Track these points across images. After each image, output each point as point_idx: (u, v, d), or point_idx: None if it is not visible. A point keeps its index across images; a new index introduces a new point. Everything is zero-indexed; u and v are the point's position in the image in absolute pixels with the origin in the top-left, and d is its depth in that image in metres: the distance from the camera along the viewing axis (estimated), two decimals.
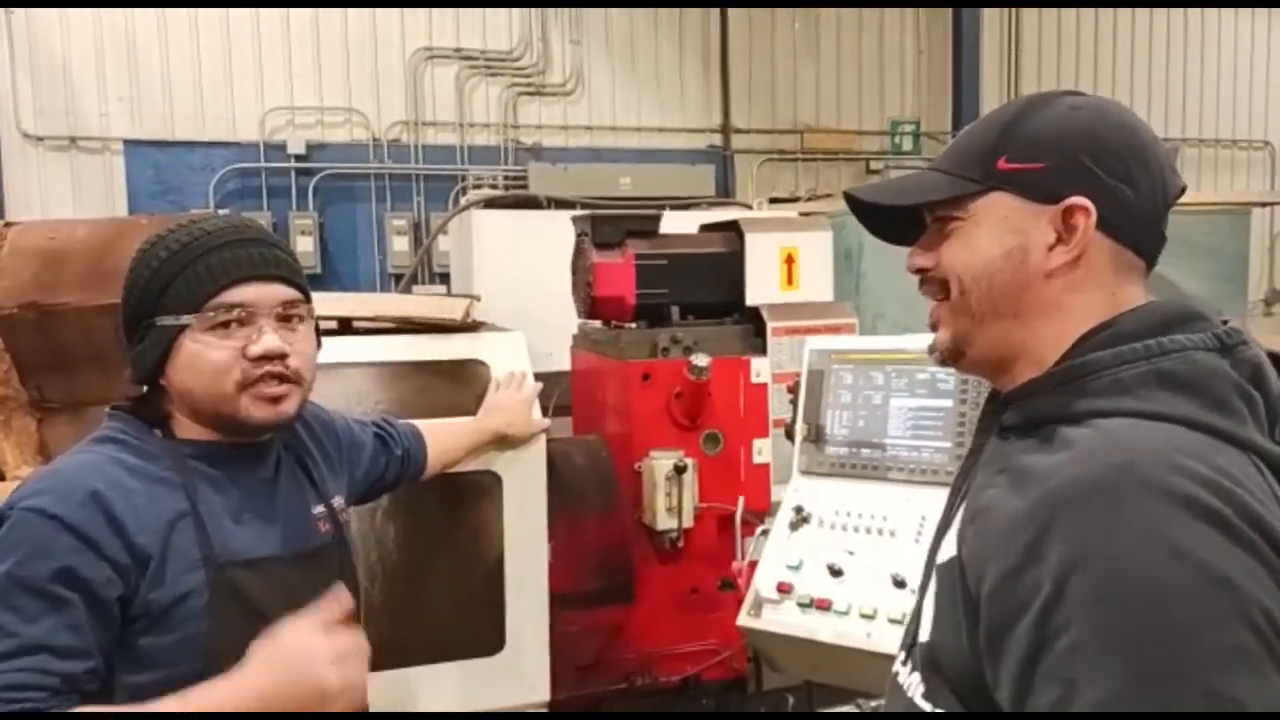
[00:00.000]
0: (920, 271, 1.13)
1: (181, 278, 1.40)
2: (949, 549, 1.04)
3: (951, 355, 1.13)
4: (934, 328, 1.14)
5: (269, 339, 1.41)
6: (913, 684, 1.07)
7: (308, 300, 1.51)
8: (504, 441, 2.21)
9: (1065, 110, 1.06)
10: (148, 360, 1.42)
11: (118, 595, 1.31)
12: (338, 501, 1.65)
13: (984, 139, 1.08)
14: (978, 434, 1.16)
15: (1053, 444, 0.96)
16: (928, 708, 1.03)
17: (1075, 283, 1.04)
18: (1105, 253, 1.04)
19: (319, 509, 1.58)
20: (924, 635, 1.06)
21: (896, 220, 1.15)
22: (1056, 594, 0.85)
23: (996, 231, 1.06)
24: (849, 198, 1.16)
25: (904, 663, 1.12)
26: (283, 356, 1.43)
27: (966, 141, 1.12)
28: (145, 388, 1.49)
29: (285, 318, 1.46)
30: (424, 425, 2.01)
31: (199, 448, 1.45)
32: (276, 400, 1.44)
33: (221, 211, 6.35)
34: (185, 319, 1.39)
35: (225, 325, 1.41)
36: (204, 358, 1.40)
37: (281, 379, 1.43)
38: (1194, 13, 10.73)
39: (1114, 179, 1.02)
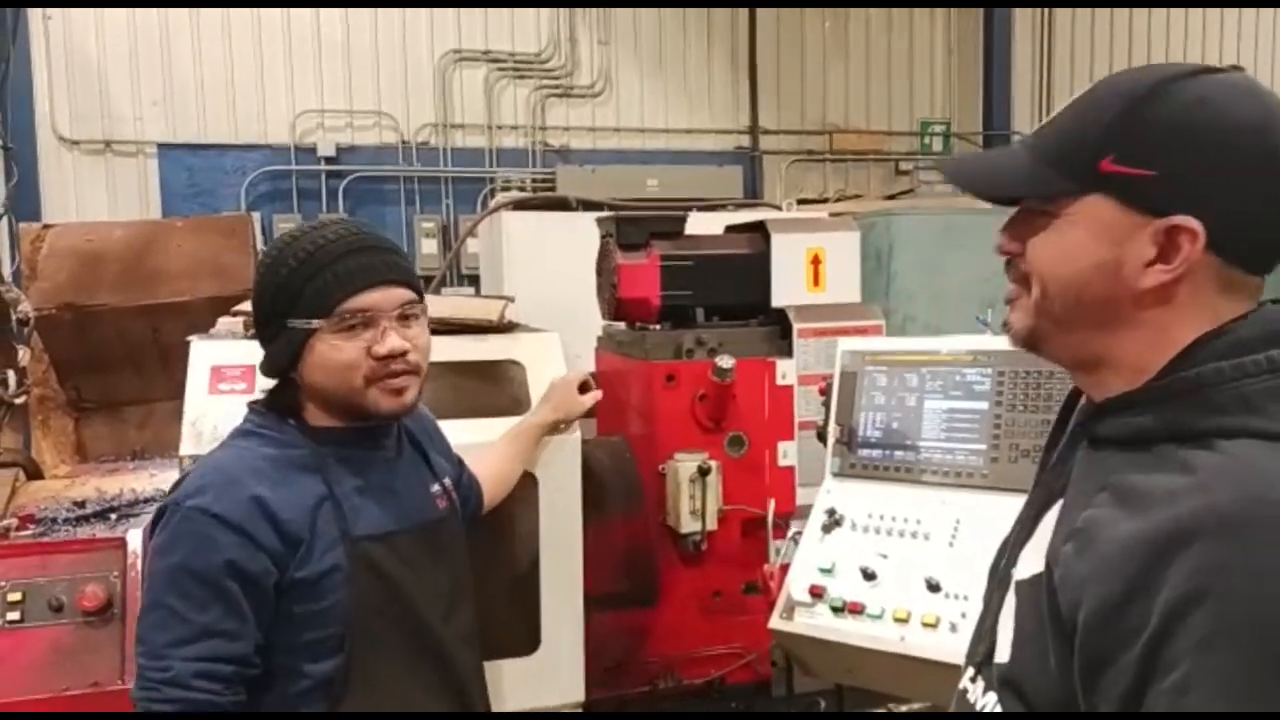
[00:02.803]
0: (1006, 254, 1.04)
1: (312, 285, 1.56)
2: (1032, 564, 0.97)
3: (1026, 344, 1.04)
4: (1009, 305, 1.05)
5: (393, 340, 1.59)
6: (987, 704, 1.01)
7: (421, 299, 1.67)
8: (558, 428, 2.24)
9: (1191, 103, 0.92)
10: (281, 358, 1.61)
11: (274, 581, 1.51)
12: (448, 481, 1.82)
13: (1092, 128, 0.95)
14: (1066, 443, 1.05)
15: (1169, 464, 0.88)
16: None
17: (1171, 301, 0.94)
18: (1210, 271, 0.93)
19: (435, 487, 1.77)
20: (1002, 656, 1.00)
21: None
22: (1165, 630, 0.79)
23: (1090, 240, 0.95)
24: (945, 165, 1.06)
25: (973, 679, 1.05)
26: (404, 354, 1.60)
27: (1071, 124, 0.98)
28: (276, 381, 1.66)
29: (404, 317, 1.62)
30: (478, 468, 2.04)
31: (329, 434, 1.63)
32: (400, 392, 1.62)
33: (254, 214, 6.43)
34: (316, 323, 1.56)
35: (352, 328, 1.57)
36: (334, 358, 1.57)
37: (404, 372, 1.61)
38: (1230, 12, 10.57)
39: (1232, 193, 0.91)
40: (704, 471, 2.50)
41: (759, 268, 2.79)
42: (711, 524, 2.53)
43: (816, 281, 2.83)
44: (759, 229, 2.87)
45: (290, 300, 1.57)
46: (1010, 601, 1.00)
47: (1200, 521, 0.81)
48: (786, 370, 2.69)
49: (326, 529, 1.55)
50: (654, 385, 2.63)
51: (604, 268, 2.84)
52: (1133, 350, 0.96)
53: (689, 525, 2.52)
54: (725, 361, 2.52)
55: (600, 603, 2.56)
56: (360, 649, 1.57)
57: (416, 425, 1.81)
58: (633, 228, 2.74)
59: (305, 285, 1.56)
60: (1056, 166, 0.97)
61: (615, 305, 2.76)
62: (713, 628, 2.66)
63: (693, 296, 2.75)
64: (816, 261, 2.83)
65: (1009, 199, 1.03)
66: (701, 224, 2.98)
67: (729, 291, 2.79)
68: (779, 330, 2.76)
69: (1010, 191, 1.01)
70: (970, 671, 1.07)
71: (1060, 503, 0.99)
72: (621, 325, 2.90)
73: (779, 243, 2.80)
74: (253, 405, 1.67)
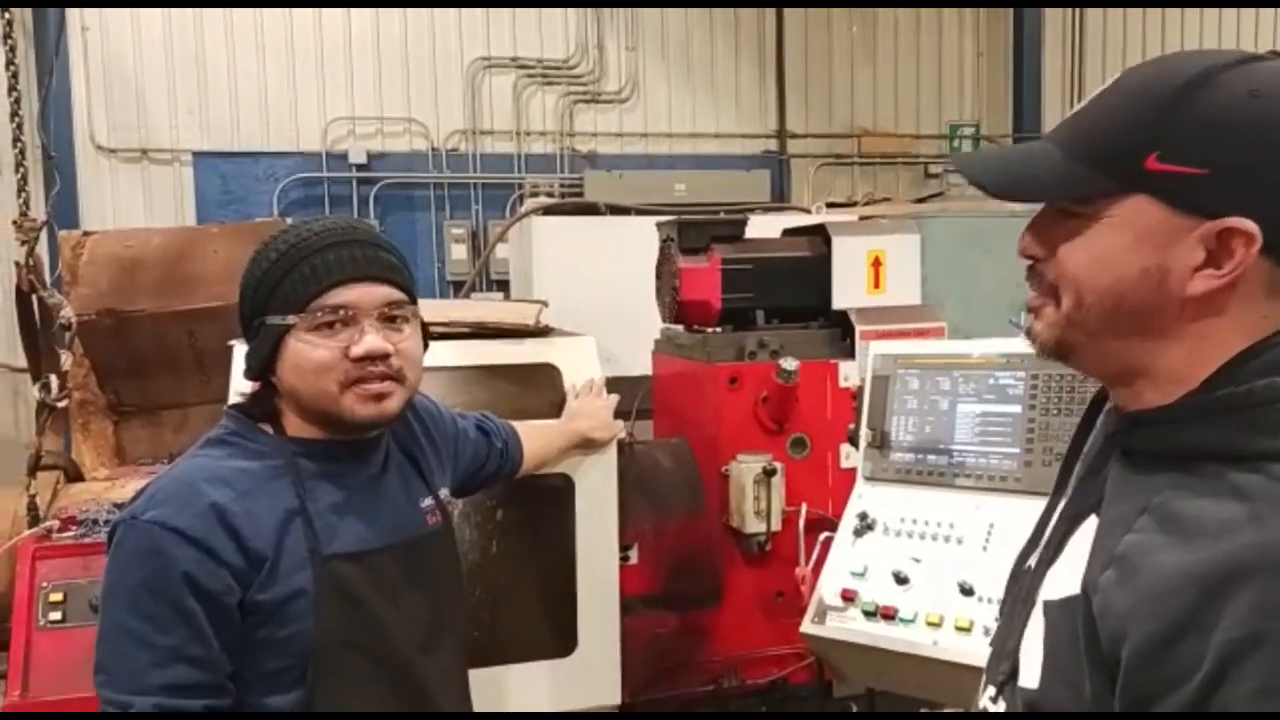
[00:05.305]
0: (1029, 258, 0.97)
1: (288, 278, 1.44)
2: (1063, 586, 0.91)
3: (1054, 355, 0.97)
4: (1031, 312, 0.98)
5: (370, 340, 1.44)
6: None
7: (413, 301, 1.53)
8: (588, 446, 2.23)
9: (1242, 96, 0.85)
10: (257, 358, 1.48)
11: (237, 601, 1.37)
12: (444, 493, 1.69)
13: (1134, 122, 0.87)
14: (1098, 454, 0.99)
15: (1219, 490, 0.82)
16: None
17: (1217, 307, 0.87)
18: (1260, 276, 0.86)
19: (427, 501, 1.62)
20: (1028, 680, 0.94)
21: None
22: (1220, 673, 0.74)
23: (1133, 244, 0.87)
24: (959, 161, 0.99)
25: (994, 699, 1.01)
26: (385, 357, 1.46)
27: (1108, 118, 0.91)
28: (259, 385, 1.54)
29: (389, 318, 1.48)
30: (518, 426, 2.05)
31: (308, 446, 1.49)
32: (380, 398, 1.47)
33: (288, 220, 6.50)
34: (290, 319, 1.43)
35: (329, 325, 1.44)
36: (307, 356, 1.44)
37: (384, 378, 1.46)
38: (1267, 12, 10.43)
39: None
40: (769, 473, 2.51)
41: (819, 270, 2.80)
42: (776, 525, 2.53)
43: (877, 284, 2.84)
44: (818, 232, 2.87)
45: (267, 295, 1.45)
46: (1038, 623, 0.95)
47: (1257, 557, 0.76)
48: (849, 372, 2.69)
49: (295, 547, 1.40)
50: (717, 387, 2.64)
51: (664, 271, 2.86)
52: (1174, 361, 0.89)
53: (753, 526, 2.54)
54: (789, 363, 2.53)
55: (663, 603, 2.58)
56: (324, 683, 1.41)
57: (409, 432, 1.67)
58: (694, 231, 2.75)
59: (283, 279, 1.44)
60: (1093, 165, 0.89)
61: (676, 308, 2.77)
62: (775, 628, 2.66)
63: (753, 299, 2.76)
64: (877, 264, 2.84)
65: (1037, 200, 0.96)
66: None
67: (790, 294, 2.81)
68: (840, 332, 2.77)
69: (1042, 194, 0.93)
70: (991, 690, 1.02)
71: (1091, 520, 0.94)
72: (680, 328, 2.92)
73: (840, 245, 2.81)
74: (229, 410, 1.54)
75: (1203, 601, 0.76)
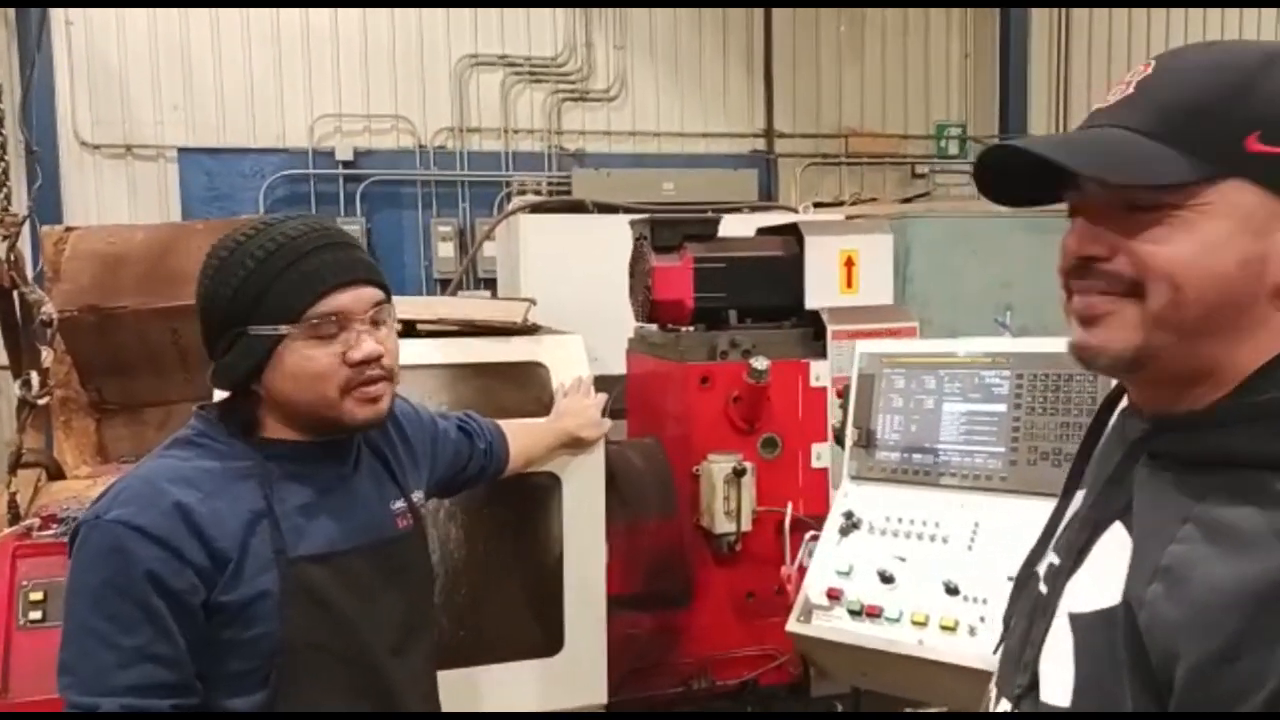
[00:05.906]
0: (1087, 259, 0.88)
1: (275, 287, 1.40)
2: (1093, 598, 0.87)
3: (1128, 367, 0.89)
4: (1087, 322, 0.90)
5: (368, 344, 1.44)
6: None
7: (390, 299, 1.53)
8: (577, 445, 2.22)
9: None
10: (240, 369, 1.44)
11: (201, 601, 1.35)
12: (417, 496, 1.67)
13: (1222, 99, 0.82)
14: (1122, 459, 0.92)
15: (1267, 499, 0.78)
16: None
17: None
18: None
19: (399, 504, 1.60)
20: (1054, 695, 0.89)
21: (1029, 175, 0.91)
22: None
23: (1233, 233, 0.82)
24: (998, 149, 0.90)
25: (1010, 712, 0.97)
26: (378, 358, 1.46)
27: (1190, 96, 0.84)
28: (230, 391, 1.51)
29: (374, 319, 1.48)
30: (505, 424, 2.05)
31: (279, 447, 1.48)
32: (376, 400, 1.47)
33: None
34: (283, 328, 1.40)
35: (326, 334, 1.42)
36: (306, 367, 1.42)
37: (380, 379, 1.47)
38: (1250, 14, 10.50)
39: None
40: (739, 473, 2.50)
41: (792, 270, 2.79)
42: (746, 525, 2.53)
43: (850, 283, 2.84)
44: (792, 231, 2.87)
45: (250, 304, 1.40)
46: (1064, 636, 0.90)
47: None
48: (820, 372, 2.69)
49: (260, 549, 1.39)
50: (688, 387, 2.63)
51: (638, 270, 2.85)
52: (1241, 356, 0.85)
53: (723, 526, 2.53)
54: (760, 363, 2.52)
55: (634, 603, 2.57)
56: (290, 685, 1.40)
57: (383, 433, 1.64)
58: (667, 230, 2.75)
59: (270, 286, 1.39)
60: (1185, 148, 0.83)
61: (649, 307, 2.77)
62: (746, 629, 2.66)
63: (726, 298, 2.75)
64: (850, 264, 2.84)
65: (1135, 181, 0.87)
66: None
67: (762, 293, 2.80)
68: (812, 332, 2.77)
69: (1145, 175, 0.84)
70: (1006, 704, 0.97)
71: (1116, 527, 0.90)
72: (653, 327, 2.91)
73: (812, 245, 2.80)
74: (199, 411, 1.51)
75: (1262, 616, 0.73)
